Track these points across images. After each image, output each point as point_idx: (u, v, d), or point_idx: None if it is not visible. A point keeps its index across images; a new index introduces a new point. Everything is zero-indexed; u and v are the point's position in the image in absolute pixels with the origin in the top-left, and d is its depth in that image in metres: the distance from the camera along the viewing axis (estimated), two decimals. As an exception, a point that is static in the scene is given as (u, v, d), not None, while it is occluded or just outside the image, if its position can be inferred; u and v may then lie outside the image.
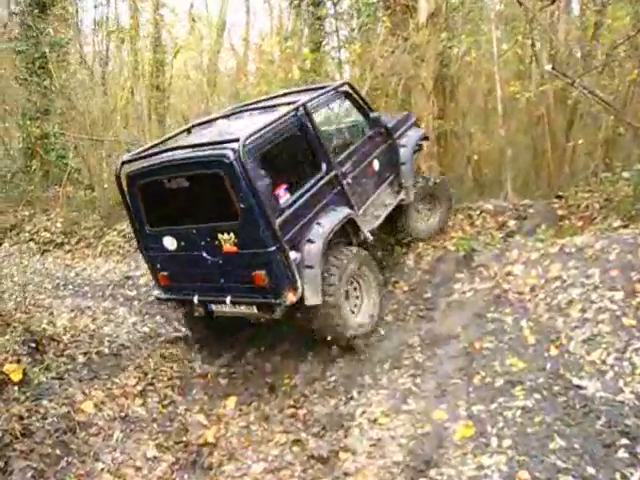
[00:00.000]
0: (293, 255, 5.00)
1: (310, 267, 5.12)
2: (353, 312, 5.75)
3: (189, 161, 5.05)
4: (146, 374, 5.48)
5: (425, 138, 7.84)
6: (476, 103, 13.01)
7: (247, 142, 4.76)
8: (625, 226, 6.10)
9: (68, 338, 5.73)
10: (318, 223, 5.36)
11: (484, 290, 6.08)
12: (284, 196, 5.18)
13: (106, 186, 11.79)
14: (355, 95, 6.54)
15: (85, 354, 5.50)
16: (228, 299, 5.24)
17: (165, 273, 5.69)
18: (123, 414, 4.84)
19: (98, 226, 11.70)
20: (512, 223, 8.04)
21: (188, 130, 6.34)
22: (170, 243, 5.42)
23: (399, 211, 7.07)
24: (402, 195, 6.88)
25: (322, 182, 5.58)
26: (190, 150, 5.18)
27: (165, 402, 5.21)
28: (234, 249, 5.00)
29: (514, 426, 4.20)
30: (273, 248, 4.84)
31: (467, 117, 12.16)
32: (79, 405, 4.71)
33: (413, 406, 4.81)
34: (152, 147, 5.77)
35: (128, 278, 9.74)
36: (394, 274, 7.11)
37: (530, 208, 8.37)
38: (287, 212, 5.09)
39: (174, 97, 19.09)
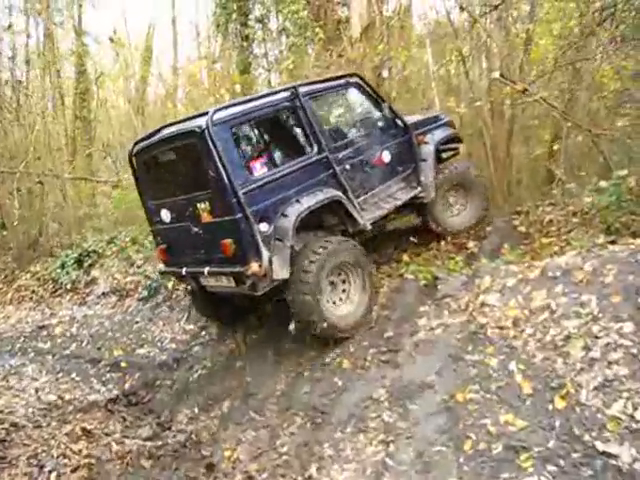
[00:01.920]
0: (264, 227, 5.02)
1: (280, 240, 5.07)
2: (335, 303, 5.47)
3: (172, 134, 5.26)
4: (42, 468, 4.04)
5: (456, 140, 7.31)
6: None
7: (217, 115, 4.96)
8: (612, 242, 5.12)
9: (-62, 424, 4.25)
10: (297, 200, 5.27)
11: (456, 326, 4.97)
12: (260, 169, 5.32)
13: (16, 223, 10.20)
14: (366, 87, 6.39)
15: (-43, 447, 4.05)
16: (206, 270, 5.25)
17: (163, 246, 5.88)
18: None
19: (9, 269, 10.21)
20: (471, 244, 7.05)
21: None
22: (166, 215, 5.63)
23: (425, 206, 6.74)
24: (418, 191, 6.48)
25: (311, 163, 5.54)
26: (176, 126, 5.38)
27: (65, 508, 3.79)
28: (209, 218, 5.12)
29: (533, 517, 3.06)
30: (238, 216, 4.87)
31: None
32: None
33: (391, 487, 3.62)
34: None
35: (42, 328, 8.28)
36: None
37: (488, 226, 7.42)
38: (260, 184, 5.10)
39: (101, 127, 17.62)
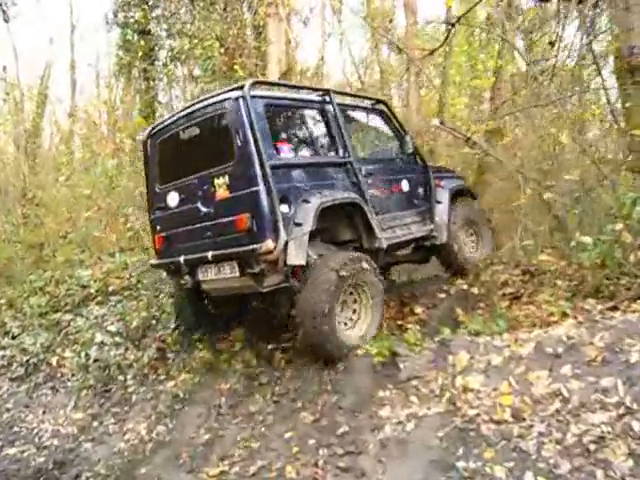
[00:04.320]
0: (284, 208, 4.65)
1: (299, 225, 4.68)
2: (346, 324, 4.94)
3: (202, 106, 5.08)
4: None
5: (468, 193, 7.03)
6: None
7: (253, 90, 4.83)
8: (613, 308, 4.18)
9: None
10: (320, 192, 4.94)
11: (434, 418, 3.79)
12: (286, 152, 5.05)
13: None
14: (390, 115, 6.36)
15: None
16: (210, 254, 4.79)
17: (163, 234, 5.46)
18: None
19: None
20: (419, 309, 6.01)
21: None
22: (173, 199, 5.30)
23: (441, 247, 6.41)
24: (430, 229, 6.21)
25: (336, 163, 5.40)
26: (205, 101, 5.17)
27: None
28: (226, 194, 4.79)
29: None
30: (261, 187, 4.56)
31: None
32: None
33: None
34: None
35: None
36: (288, 394, 4.63)
37: (432, 287, 6.44)
38: (285, 164, 4.91)
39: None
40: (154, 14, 13.00)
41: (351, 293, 4.96)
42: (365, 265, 4.95)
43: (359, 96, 6.57)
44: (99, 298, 7.51)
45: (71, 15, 18.52)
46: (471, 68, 12.75)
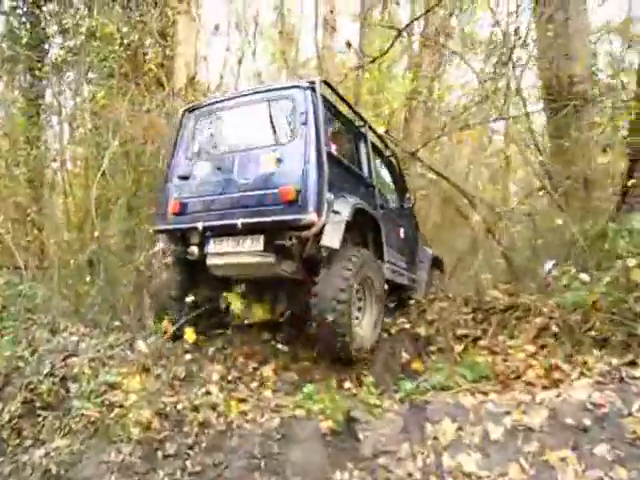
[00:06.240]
0: (328, 195, 4.51)
1: (337, 213, 4.54)
2: (355, 321, 4.63)
3: (266, 89, 5.22)
4: None
5: (439, 263, 7.35)
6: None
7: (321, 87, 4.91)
8: (632, 363, 3.25)
9: None
10: (354, 196, 4.89)
11: (421, 517, 2.65)
12: (334, 150, 4.93)
13: None
14: (398, 168, 6.66)
15: None
16: (239, 222, 4.54)
17: (181, 200, 5.13)
18: None
19: None
20: (363, 354, 4.89)
21: None
22: (202, 169, 5.18)
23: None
24: (413, 279, 6.43)
25: (364, 182, 5.49)
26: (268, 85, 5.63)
27: None
28: (272, 167, 4.68)
29: None
30: (314, 165, 4.51)
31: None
32: None
33: None
34: None
35: None
36: (205, 473, 3.32)
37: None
38: (333, 158, 4.81)
39: None
40: (46, 9, 11.33)
41: (357, 291, 4.71)
42: (378, 263, 5.01)
43: (380, 138, 6.53)
44: (-52, 330, 5.73)
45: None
46: (382, 93, 12.24)
